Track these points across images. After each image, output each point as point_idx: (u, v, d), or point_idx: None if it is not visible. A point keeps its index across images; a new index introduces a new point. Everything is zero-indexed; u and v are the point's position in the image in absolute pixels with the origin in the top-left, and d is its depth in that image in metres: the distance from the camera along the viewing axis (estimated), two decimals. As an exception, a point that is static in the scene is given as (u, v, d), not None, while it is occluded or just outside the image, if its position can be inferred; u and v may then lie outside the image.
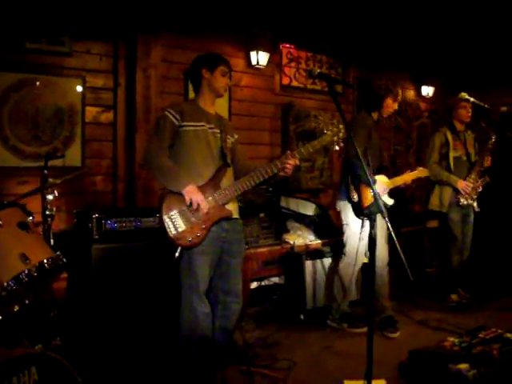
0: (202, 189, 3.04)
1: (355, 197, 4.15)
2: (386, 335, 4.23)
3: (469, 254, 5.12)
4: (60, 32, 4.51)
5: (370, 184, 4.08)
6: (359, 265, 4.41)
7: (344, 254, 4.41)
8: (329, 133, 3.20)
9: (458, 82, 7.28)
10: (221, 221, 3.12)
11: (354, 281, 4.47)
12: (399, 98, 4.34)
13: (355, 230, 4.29)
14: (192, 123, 3.15)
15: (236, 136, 3.44)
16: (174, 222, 3.00)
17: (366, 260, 4.39)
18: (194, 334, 3.12)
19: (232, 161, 3.32)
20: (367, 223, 4.21)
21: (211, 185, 3.10)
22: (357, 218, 4.20)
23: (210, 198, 3.06)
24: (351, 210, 4.21)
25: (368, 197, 4.13)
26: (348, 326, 4.39)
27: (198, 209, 3.00)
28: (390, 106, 4.31)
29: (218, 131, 3.25)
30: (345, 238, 4.42)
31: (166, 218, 3.00)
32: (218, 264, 3.22)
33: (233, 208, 3.22)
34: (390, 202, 4.26)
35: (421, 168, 4.46)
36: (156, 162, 3.08)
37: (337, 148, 3.24)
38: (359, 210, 4.17)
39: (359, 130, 4.13)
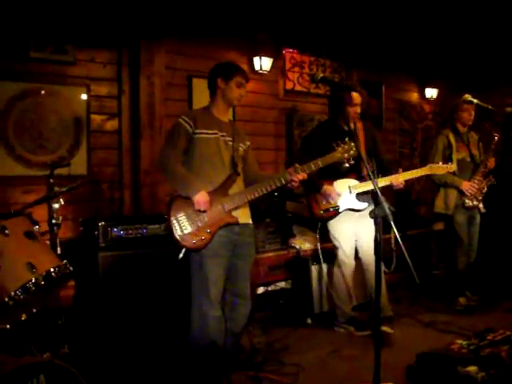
0: (210, 195, 3.12)
1: (307, 211, 4.35)
2: (360, 334, 4.31)
3: (476, 256, 5.09)
4: (64, 41, 4.54)
5: (316, 190, 4.19)
6: (351, 265, 4.40)
7: (336, 259, 4.43)
8: (339, 149, 3.26)
9: (462, 83, 7.26)
10: (230, 225, 3.18)
11: (352, 284, 4.45)
12: (356, 101, 4.26)
13: (335, 233, 4.36)
14: (204, 131, 3.23)
15: (248, 143, 3.49)
16: (181, 224, 3.09)
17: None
18: (204, 339, 3.14)
19: (243, 167, 3.40)
20: (344, 220, 4.26)
21: (220, 191, 3.18)
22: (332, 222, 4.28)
23: (218, 204, 3.13)
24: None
25: (318, 204, 4.28)
26: (355, 329, 4.38)
27: (203, 214, 3.09)
28: (351, 110, 4.25)
29: (231, 139, 3.32)
30: (332, 244, 4.46)
31: (173, 219, 3.10)
32: (227, 267, 3.26)
33: (243, 213, 3.29)
34: (359, 205, 4.24)
35: (432, 165, 4.39)
36: (170, 169, 3.19)
37: (347, 165, 3.35)
38: (313, 221, 4.35)
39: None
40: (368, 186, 4.20)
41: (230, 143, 3.30)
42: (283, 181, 3.19)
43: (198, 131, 3.21)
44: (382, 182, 4.15)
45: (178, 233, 3.08)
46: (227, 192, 3.20)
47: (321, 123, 4.84)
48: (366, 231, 4.15)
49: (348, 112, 4.25)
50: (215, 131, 3.26)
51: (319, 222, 4.44)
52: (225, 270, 3.21)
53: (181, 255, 3.15)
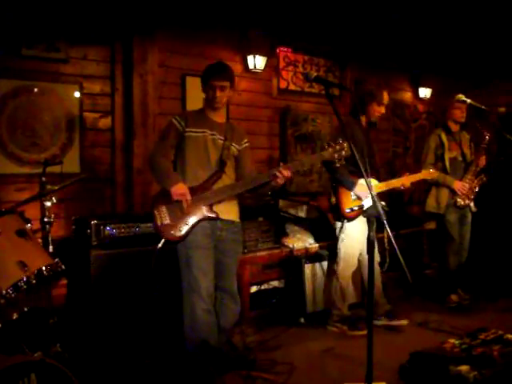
0: (192, 189, 3.23)
1: (333, 200, 4.27)
2: (395, 325, 4.35)
3: (468, 255, 5.11)
4: (56, 38, 4.50)
5: (349, 188, 4.17)
6: (354, 266, 4.41)
7: (340, 258, 4.41)
8: (330, 150, 3.25)
9: (456, 83, 7.29)
10: (212, 220, 3.27)
11: (351, 283, 4.48)
12: (385, 101, 4.35)
13: (349, 232, 4.32)
14: (194, 129, 3.35)
15: (245, 144, 3.56)
16: (161, 215, 3.23)
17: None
18: (196, 333, 3.20)
19: (236, 168, 3.50)
20: (361, 222, 4.24)
21: (203, 187, 3.29)
22: (352, 221, 4.24)
23: (199, 198, 3.24)
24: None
25: (347, 200, 4.22)
26: (348, 328, 4.38)
27: (182, 205, 3.19)
28: (376, 110, 4.34)
29: (222, 138, 3.40)
30: (339, 241, 4.42)
31: (154, 210, 3.27)
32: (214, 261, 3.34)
33: (227, 210, 3.37)
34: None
35: (432, 170, 4.51)
36: (152, 162, 3.37)
37: (337, 165, 3.32)
38: (337, 214, 4.27)
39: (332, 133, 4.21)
40: (383, 187, 4.24)
41: (220, 142, 3.39)
42: (267, 179, 3.25)
43: (187, 129, 3.35)
44: (394, 183, 4.26)
45: (157, 223, 3.23)
46: (211, 188, 3.29)
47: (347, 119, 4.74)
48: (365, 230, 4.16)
49: (374, 110, 4.28)
50: (204, 130, 3.37)
51: (344, 220, 4.33)
52: (212, 263, 3.29)
53: (159, 245, 3.22)
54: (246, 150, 3.58)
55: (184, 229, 3.20)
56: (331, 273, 4.61)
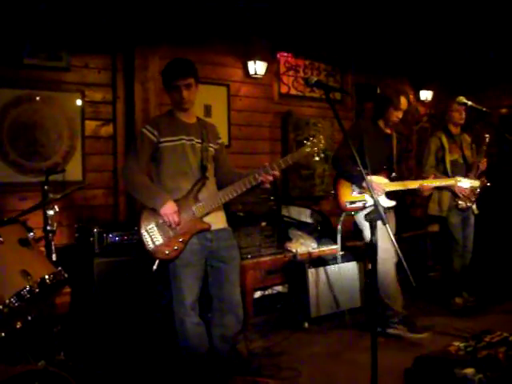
0: (179, 203, 3.07)
1: (333, 192, 4.32)
2: (416, 337, 4.26)
3: (472, 257, 5.10)
4: (57, 47, 4.54)
5: (354, 181, 4.18)
6: (394, 258, 4.28)
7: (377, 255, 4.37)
8: (308, 143, 3.26)
9: (457, 85, 7.28)
10: (202, 232, 3.12)
11: (395, 279, 4.35)
12: (402, 106, 4.35)
13: (364, 223, 4.29)
14: (170, 138, 3.16)
15: (220, 141, 3.43)
16: (152, 236, 3.05)
17: (369, 266, 4.37)
18: (187, 345, 3.14)
19: (216, 168, 3.35)
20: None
21: (189, 198, 3.12)
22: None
23: (188, 211, 3.09)
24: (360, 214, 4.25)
25: (347, 193, 4.24)
26: (408, 329, 4.29)
27: (174, 226, 3.04)
28: (393, 115, 4.35)
29: (199, 141, 3.23)
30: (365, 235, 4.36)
31: (143, 232, 3.05)
32: (210, 272, 3.24)
33: (216, 219, 3.22)
34: (388, 203, 4.22)
35: (458, 178, 4.55)
36: (132, 180, 3.14)
37: (317, 159, 3.30)
38: (338, 204, 4.30)
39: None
40: (397, 186, 4.24)
41: (199, 145, 3.22)
42: (254, 182, 3.14)
43: (162, 139, 3.14)
44: (411, 184, 4.26)
45: (149, 246, 3.04)
46: (197, 197, 3.13)
47: (359, 121, 4.83)
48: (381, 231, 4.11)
49: (391, 115, 4.31)
50: (181, 137, 3.17)
51: (343, 213, 4.33)
52: (199, 279, 3.16)
53: (154, 267, 3.05)
54: (222, 149, 3.44)
55: (178, 247, 3.04)
56: (371, 274, 4.51)
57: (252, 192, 3.26)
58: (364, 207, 4.22)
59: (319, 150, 3.26)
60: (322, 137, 3.28)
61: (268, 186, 3.21)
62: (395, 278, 4.37)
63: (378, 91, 4.51)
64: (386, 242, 4.25)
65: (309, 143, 3.25)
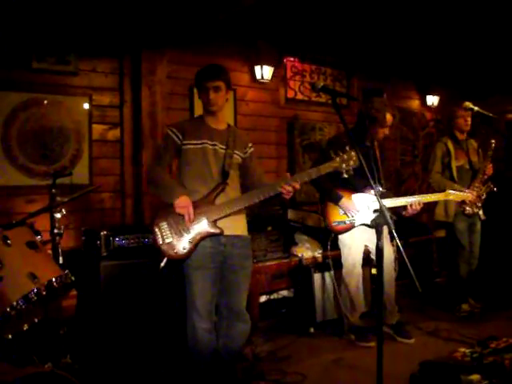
0: (195, 204, 3.05)
1: (320, 212, 4.39)
2: (401, 341, 4.31)
3: (478, 263, 5.08)
4: (65, 51, 4.57)
5: (335, 201, 4.18)
6: (358, 274, 4.39)
7: (342, 266, 4.43)
8: (337, 159, 3.06)
9: (463, 90, 7.29)
10: (215, 236, 3.09)
11: (359, 293, 4.44)
12: (389, 123, 4.30)
13: (344, 242, 4.35)
14: (192, 141, 3.16)
15: (249, 150, 3.36)
16: (163, 233, 3.05)
17: (373, 271, 4.38)
18: (196, 350, 3.12)
19: (244, 177, 3.31)
20: (357, 233, 4.24)
21: (206, 201, 3.09)
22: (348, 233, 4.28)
23: (202, 214, 3.06)
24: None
25: (334, 213, 4.25)
26: (356, 338, 4.36)
27: (186, 221, 3.02)
28: (380, 132, 4.30)
29: (223, 147, 3.20)
30: (340, 249, 4.45)
31: (155, 228, 3.07)
32: (220, 280, 3.17)
33: (233, 224, 3.16)
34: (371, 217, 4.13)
35: (450, 191, 4.37)
36: (152, 176, 3.20)
37: (345, 176, 3.08)
38: (327, 225, 4.32)
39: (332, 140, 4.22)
40: (387, 203, 4.08)
41: (222, 151, 3.19)
42: (272, 193, 3.07)
43: (185, 142, 3.16)
44: (400, 202, 4.16)
45: (159, 241, 3.05)
46: (213, 202, 3.09)
47: (341, 134, 4.63)
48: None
49: (378, 133, 4.28)
50: (204, 140, 3.16)
51: (332, 233, 4.40)
52: (213, 283, 3.12)
53: (162, 264, 3.06)
54: (252, 157, 3.38)
55: (187, 247, 3.03)
56: (340, 282, 4.59)
57: (268, 202, 3.20)
58: (353, 226, 4.23)
59: (348, 167, 3.03)
60: (353, 153, 3.01)
61: (287, 197, 3.09)
62: (357, 289, 4.42)
63: (362, 108, 4.40)
64: (350, 250, 4.31)
65: (338, 158, 3.05)
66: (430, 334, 4.52)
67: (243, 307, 3.25)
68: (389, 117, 4.29)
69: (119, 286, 3.70)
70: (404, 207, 4.17)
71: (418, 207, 4.13)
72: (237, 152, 3.25)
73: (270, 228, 4.76)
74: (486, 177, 4.92)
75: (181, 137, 3.16)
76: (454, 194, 4.34)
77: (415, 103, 7.95)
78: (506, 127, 7.17)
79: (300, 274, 4.78)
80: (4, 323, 2.65)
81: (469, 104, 4.74)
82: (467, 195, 4.51)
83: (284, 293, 5.16)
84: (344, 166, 3.04)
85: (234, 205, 3.10)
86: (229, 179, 3.17)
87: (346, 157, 3.03)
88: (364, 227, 4.22)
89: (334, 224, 4.28)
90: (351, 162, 3.02)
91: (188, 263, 3.08)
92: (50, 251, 3.36)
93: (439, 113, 8.04)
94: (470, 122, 4.97)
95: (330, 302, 4.73)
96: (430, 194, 4.36)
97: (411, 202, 4.13)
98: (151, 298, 3.78)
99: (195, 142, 3.16)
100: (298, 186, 3.07)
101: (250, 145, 3.37)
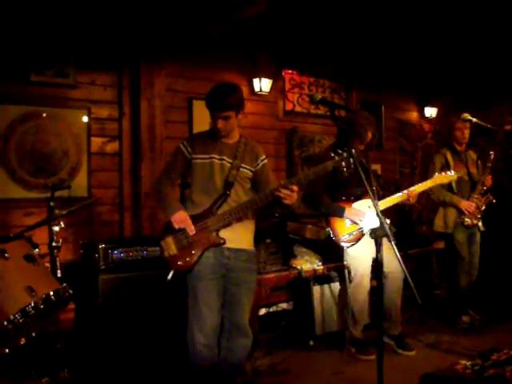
0: (196, 216, 3.09)
1: (328, 230, 4.28)
2: (402, 354, 4.29)
3: (478, 275, 5.07)
4: (64, 64, 4.58)
5: (339, 215, 4.16)
6: (366, 287, 4.38)
7: (350, 280, 4.39)
8: (336, 158, 3.04)
9: (461, 102, 7.31)
10: (218, 247, 3.11)
11: (365, 306, 4.42)
12: (368, 139, 4.35)
13: (353, 254, 4.31)
14: (201, 155, 3.18)
15: (261, 162, 3.30)
16: (168, 246, 3.10)
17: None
18: (195, 362, 3.13)
19: (257, 189, 3.27)
20: (365, 244, 4.22)
21: (207, 213, 3.11)
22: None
23: (203, 225, 3.09)
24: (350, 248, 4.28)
25: (342, 227, 4.21)
26: (356, 351, 4.34)
27: (187, 234, 3.08)
28: (358, 147, 4.28)
29: (230, 161, 3.18)
30: (346, 263, 4.41)
31: (161, 242, 3.14)
32: (223, 292, 3.18)
33: (238, 237, 3.16)
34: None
35: (444, 174, 4.46)
36: (156, 189, 3.34)
37: (346, 175, 3.15)
38: (337, 241, 4.25)
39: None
40: (386, 203, 4.20)
41: (228, 165, 3.17)
42: (270, 197, 3.05)
43: (194, 156, 3.18)
44: (397, 199, 4.23)
45: (165, 254, 3.12)
46: (215, 212, 3.11)
47: (329, 148, 4.57)
48: (387, 249, 4.12)
49: (355, 146, 4.23)
50: (212, 155, 3.16)
51: (344, 247, 4.31)
52: (218, 293, 3.13)
53: (169, 277, 3.10)
54: (264, 169, 3.31)
55: (191, 259, 3.07)
56: (343, 295, 4.56)
57: (271, 209, 3.20)
58: (363, 235, 4.20)
59: (349, 164, 3.01)
60: (353, 150, 2.99)
61: (288, 202, 3.05)
62: (363, 302, 4.39)
63: (346, 119, 4.43)
64: (360, 262, 4.28)
65: (336, 157, 3.03)
66: (431, 346, 4.50)
67: (245, 321, 3.23)
68: (369, 135, 4.32)
69: (118, 299, 3.68)
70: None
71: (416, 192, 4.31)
72: (245, 165, 3.22)
73: (269, 240, 4.75)
74: (485, 188, 4.93)
75: (191, 151, 3.20)
76: (442, 177, 4.46)
77: (413, 115, 7.97)
78: (504, 138, 7.18)
79: (299, 286, 4.76)
80: (1, 337, 2.63)
81: (467, 115, 4.75)
82: (455, 177, 4.53)
83: (283, 305, 5.12)
84: (344, 163, 3.03)
85: (233, 212, 3.10)
86: (232, 190, 3.16)
87: (345, 154, 3.03)
88: (371, 240, 4.20)
89: (344, 238, 4.23)
90: (351, 159, 3.01)
91: (192, 274, 3.11)
92: (48, 264, 3.35)
93: (439, 124, 8.06)
94: (467, 135, 4.98)
95: (330, 315, 4.70)
96: (421, 183, 4.44)
97: (406, 191, 4.27)
98: (150, 311, 3.75)
99: (203, 156, 3.18)
100: (296, 187, 3.03)
101: (262, 157, 3.32)
